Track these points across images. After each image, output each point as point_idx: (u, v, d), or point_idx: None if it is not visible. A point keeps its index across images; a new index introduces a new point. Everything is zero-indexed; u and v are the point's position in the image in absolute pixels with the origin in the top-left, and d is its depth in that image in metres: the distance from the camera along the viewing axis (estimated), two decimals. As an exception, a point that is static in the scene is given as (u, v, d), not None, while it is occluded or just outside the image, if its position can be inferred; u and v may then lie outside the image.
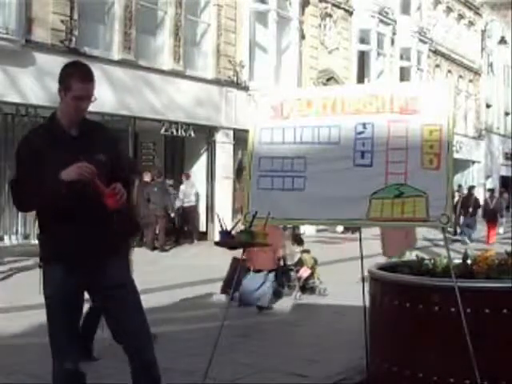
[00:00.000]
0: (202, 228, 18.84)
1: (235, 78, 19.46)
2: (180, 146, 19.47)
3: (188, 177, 18.37)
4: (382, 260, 6.46)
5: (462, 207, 21.87)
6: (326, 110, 4.96)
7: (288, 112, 5.09)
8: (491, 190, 24.77)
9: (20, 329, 7.44)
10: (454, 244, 17.30)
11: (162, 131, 17.51)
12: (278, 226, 9.09)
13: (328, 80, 23.22)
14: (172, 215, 17.29)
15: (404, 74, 28.17)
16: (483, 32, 36.20)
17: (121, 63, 16.17)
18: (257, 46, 20.64)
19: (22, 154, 3.56)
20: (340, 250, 15.35)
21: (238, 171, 19.25)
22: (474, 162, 35.28)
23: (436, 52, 31.56)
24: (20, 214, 14.33)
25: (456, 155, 24.39)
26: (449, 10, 33.47)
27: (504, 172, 38.47)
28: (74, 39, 15.01)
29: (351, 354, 6.11)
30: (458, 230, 21.44)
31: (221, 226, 4.77)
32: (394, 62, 27.51)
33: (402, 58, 28.23)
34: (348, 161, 4.76)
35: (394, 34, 27.23)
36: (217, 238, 5.12)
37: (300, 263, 10.00)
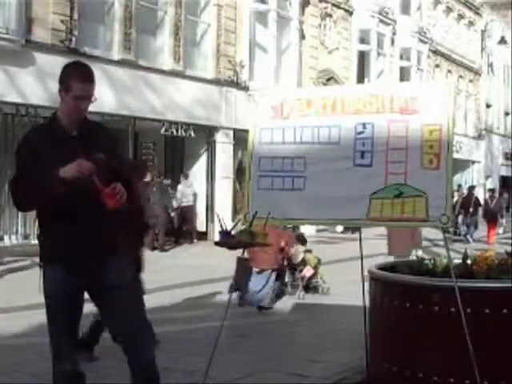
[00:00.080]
0: (202, 228, 18.84)
1: (235, 78, 19.46)
2: (180, 146, 19.47)
3: (186, 176, 18.38)
4: (382, 260, 6.45)
5: (462, 207, 21.88)
6: (326, 110, 4.96)
7: (288, 112, 5.09)
8: (491, 190, 24.78)
9: (20, 329, 7.44)
10: (454, 244, 17.30)
11: (162, 131, 17.51)
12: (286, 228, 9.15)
13: (328, 80, 23.22)
14: (172, 214, 17.29)
15: (404, 74, 28.17)
16: (483, 32, 36.20)
17: (121, 63, 16.17)
18: (257, 46, 20.64)
19: (21, 153, 3.56)
20: (340, 250, 15.35)
21: (238, 171, 19.25)
22: (473, 162, 35.28)
23: (436, 52, 31.57)
24: (20, 213, 14.33)
25: (456, 155, 24.38)
26: (449, 9, 33.47)
27: (504, 172, 38.46)
28: (73, 39, 15.01)
29: (351, 354, 6.11)
30: (458, 230, 21.45)
31: (221, 226, 4.77)
32: (393, 61, 27.51)
33: (401, 57, 28.24)
34: (348, 161, 4.76)
35: (393, 33, 27.24)
36: (217, 238, 5.12)
37: (303, 263, 10.05)
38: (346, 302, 8.32)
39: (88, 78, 3.52)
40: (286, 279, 9.79)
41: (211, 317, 7.61)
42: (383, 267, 5.10)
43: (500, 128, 39.07)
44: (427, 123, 4.58)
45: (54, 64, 13.22)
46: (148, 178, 16.25)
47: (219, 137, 19.11)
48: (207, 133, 18.98)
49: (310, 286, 10.03)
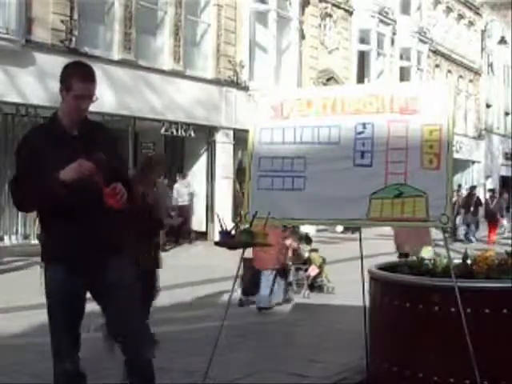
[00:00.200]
0: (202, 228, 18.84)
1: (235, 78, 19.46)
2: (180, 145, 19.47)
3: (184, 176, 18.37)
4: (382, 260, 6.45)
5: (463, 207, 21.89)
6: (326, 110, 4.96)
7: (288, 112, 5.09)
8: (492, 190, 24.78)
9: (20, 329, 7.44)
10: (454, 244, 17.30)
11: (162, 131, 17.51)
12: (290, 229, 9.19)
13: (328, 80, 23.23)
14: (172, 214, 17.29)
15: (404, 74, 28.17)
16: (483, 32, 36.19)
17: (121, 63, 16.17)
18: (257, 46, 20.64)
19: (21, 153, 3.55)
20: (340, 250, 15.35)
21: (238, 171, 19.25)
22: (473, 162, 35.27)
23: (436, 52, 31.56)
24: (20, 214, 14.33)
25: (456, 155, 24.37)
26: (449, 9, 33.46)
27: (504, 172, 38.45)
28: (73, 39, 15.02)
29: (351, 354, 6.11)
30: (457, 231, 21.45)
31: (221, 226, 4.77)
32: (393, 61, 27.51)
33: (401, 57, 28.24)
34: (348, 161, 4.76)
35: (394, 33, 27.24)
36: (217, 237, 5.12)
37: (308, 262, 10.13)
38: (345, 302, 8.33)
39: (89, 77, 3.52)
40: (291, 278, 9.84)
41: (211, 317, 7.61)
42: (383, 267, 5.10)
43: (500, 128, 39.06)
44: (427, 123, 4.58)
45: (54, 64, 13.22)
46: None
47: (219, 137, 19.11)
48: (207, 133, 18.98)
49: (314, 285, 10.15)
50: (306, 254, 10.23)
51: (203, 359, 5.01)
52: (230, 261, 9.18)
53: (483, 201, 23.34)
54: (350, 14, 25.08)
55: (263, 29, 20.62)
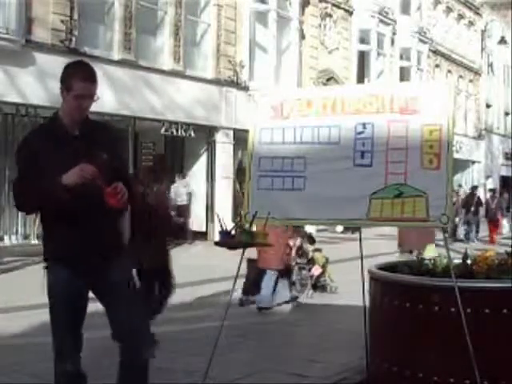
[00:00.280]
0: (202, 228, 18.84)
1: (235, 78, 19.46)
2: (180, 145, 19.47)
3: (184, 176, 18.36)
4: (382, 260, 6.45)
5: (463, 207, 21.91)
6: (326, 110, 4.96)
7: (288, 112, 5.08)
8: (493, 190, 24.80)
9: (20, 329, 7.44)
10: (454, 244, 17.30)
11: (162, 131, 17.51)
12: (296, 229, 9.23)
13: (328, 80, 23.23)
14: (172, 213, 17.27)
15: (404, 74, 28.17)
16: (483, 32, 36.20)
17: (121, 63, 16.17)
18: (257, 46, 20.64)
19: (22, 155, 3.54)
20: (340, 250, 15.34)
21: (238, 171, 19.25)
22: (473, 162, 35.28)
23: (436, 52, 31.56)
24: (20, 214, 14.32)
25: (456, 155, 24.37)
26: (449, 9, 33.47)
27: (504, 172, 38.45)
28: (73, 39, 15.01)
29: (351, 354, 6.11)
30: (457, 232, 21.47)
31: (221, 226, 4.77)
32: (393, 61, 27.51)
33: (401, 57, 28.24)
34: (348, 161, 4.76)
35: (393, 33, 27.24)
36: (217, 237, 5.12)
37: (312, 262, 10.18)
38: (345, 302, 8.33)
39: (90, 77, 3.52)
40: (294, 278, 9.87)
41: (211, 317, 7.60)
42: (383, 267, 5.10)
43: (500, 128, 39.06)
44: (427, 123, 4.58)
45: (54, 64, 13.21)
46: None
47: (219, 137, 19.11)
48: (207, 133, 18.98)
49: (318, 285, 10.20)
50: (310, 254, 10.28)
51: (203, 359, 5.01)
52: (229, 261, 9.17)
53: (483, 201, 23.37)
54: (350, 14, 25.08)
55: (263, 29, 20.62)
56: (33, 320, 7.27)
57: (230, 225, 4.88)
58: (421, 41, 29.28)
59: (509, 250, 5.11)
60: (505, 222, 24.40)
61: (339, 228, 21.35)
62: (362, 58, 25.86)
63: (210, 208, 18.76)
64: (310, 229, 12.39)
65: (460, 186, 24.89)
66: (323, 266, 10.25)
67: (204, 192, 19.00)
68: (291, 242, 9.53)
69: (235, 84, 19.45)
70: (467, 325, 4.13)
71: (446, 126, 4.51)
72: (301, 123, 5.00)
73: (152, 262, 6.40)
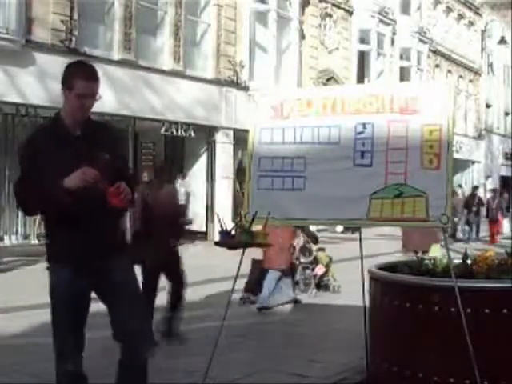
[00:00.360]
0: (202, 228, 18.83)
1: (235, 78, 19.46)
2: (180, 146, 19.47)
3: (184, 177, 18.36)
4: (382, 260, 6.46)
5: (465, 207, 21.92)
6: (325, 110, 4.96)
7: (288, 112, 5.08)
8: (493, 191, 24.80)
9: (20, 329, 7.44)
10: (454, 244, 17.30)
11: (162, 131, 17.51)
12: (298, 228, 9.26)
13: (328, 80, 23.23)
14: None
15: (404, 74, 28.17)
16: (483, 32, 36.19)
17: (121, 63, 16.17)
18: (257, 46, 20.64)
19: (24, 156, 3.53)
20: (340, 250, 15.34)
21: (238, 171, 19.25)
22: (473, 162, 35.28)
23: (436, 52, 31.56)
24: (20, 214, 14.33)
25: (456, 155, 24.37)
26: (449, 9, 33.47)
27: (504, 172, 38.45)
28: (73, 39, 15.02)
29: (351, 354, 6.11)
30: (457, 233, 21.47)
31: (221, 225, 4.77)
32: (393, 61, 27.51)
33: (401, 57, 28.24)
34: (348, 161, 4.75)
35: (394, 33, 27.24)
36: (217, 238, 5.12)
37: (315, 261, 10.22)
38: (345, 301, 8.33)
39: (92, 76, 3.51)
40: (298, 277, 9.90)
41: (211, 317, 7.60)
42: (383, 267, 5.10)
43: (500, 128, 39.06)
44: (427, 123, 4.58)
45: (54, 64, 13.23)
46: (148, 179, 16.34)
47: (219, 137, 19.11)
48: (207, 133, 18.98)
49: (321, 284, 10.26)
50: (313, 253, 10.32)
51: (203, 359, 5.00)
52: (229, 261, 9.17)
53: (484, 201, 23.39)
54: (350, 14, 25.08)
55: (263, 29, 20.63)
56: (33, 320, 7.27)
57: (230, 225, 4.88)
58: (421, 41, 29.28)
59: (509, 249, 5.11)
60: (505, 222, 24.41)
61: (339, 228, 21.35)
62: (362, 58, 25.86)
63: (210, 208, 18.76)
64: (310, 229, 12.42)
65: (460, 186, 24.87)
66: (327, 266, 10.33)
67: (204, 192, 19.00)
68: (295, 242, 9.57)
69: (235, 84, 19.45)
70: (467, 325, 4.13)
71: (446, 125, 4.51)
72: (301, 123, 5.00)
73: (155, 259, 6.49)
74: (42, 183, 3.36)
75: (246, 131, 5.33)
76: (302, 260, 10.02)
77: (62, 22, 14.85)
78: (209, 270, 11.64)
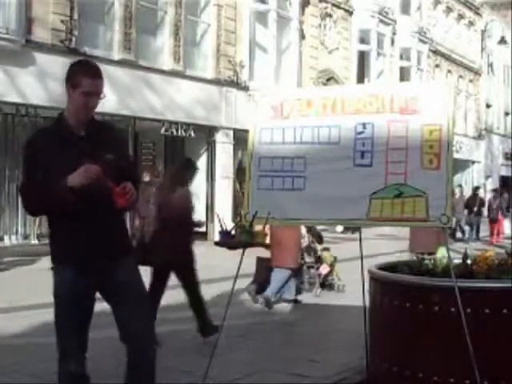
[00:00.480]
0: (202, 228, 18.81)
1: (235, 78, 19.46)
2: (180, 146, 19.46)
3: None
4: (382, 260, 6.46)
5: (466, 207, 21.94)
6: (325, 110, 4.96)
7: (288, 112, 5.08)
8: (495, 191, 24.81)
9: (20, 329, 7.43)
10: (454, 244, 17.30)
11: (162, 131, 17.52)
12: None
13: (328, 80, 23.23)
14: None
15: (404, 74, 28.18)
16: (483, 32, 36.20)
17: (121, 63, 16.17)
18: (257, 46, 20.65)
19: (28, 157, 3.53)
20: (340, 250, 15.33)
21: (238, 171, 19.25)
22: (473, 162, 35.28)
23: (436, 52, 31.57)
24: (20, 214, 14.35)
25: (456, 155, 24.40)
26: (449, 9, 33.47)
27: (504, 172, 38.45)
28: (73, 39, 15.02)
29: (351, 354, 6.11)
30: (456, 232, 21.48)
31: (221, 225, 4.78)
32: (393, 61, 27.52)
33: (401, 57, 28.25)
34: (348, 161, 4.75)
35: (393, 33, 27.25)
36: (217, 238, 5.13)
37: (320, 261, 10.25)
38: (345, 301, 8.32)
39: (97, 74, 3.51)
40: (303, 277, 9.94)
41: (211, 317, 7.60)
42: (383, 267, 5.10)
43: (500, 128, 39.07)
44: (427, 123, 4.58)
45: (54, 64, 13.26)
46: (147, 179, 16.33)
47: (219, 137, 19.12)
48: (207, 133, 18.99)
49: (325, 284, 10.30)
50: (318, 253, 10.36)
51: (203, 359, 5.00)
52: (229, 261, 9.17)
53: (484, 201, 23.40)
54: (350, 14, 25.08)
55: (263, 29, 20.63)
56: (33, 320, 7.26)
57: (230, 225, 4.88)
58: (421, 41, 29.29)
59: (509, 249, 5.11)
60: (506, 222, 24.41)
61: (339, 228, 21.31)
62: (362, 58, 25.87)
63: (210, 208, 18.76)
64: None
65: (460, 186, 24.87)
66: (331, 265, 10.36)
67: (204, 192, 19.00)
68: (304, 243, 9.64)
69: (235, 84, 19.45)
70: (467, 325, 4.13)
71: (446, 126, 4.51)
72: (301, 123, 5.00)
73: (165, 259, 6.54)
74: (46, 184, 3.35)
75: (246, 131, 5.33)
76: (307, 259, 10.04)
77: (62, 21, 14.85)
78: (209, 270, 11.61)
